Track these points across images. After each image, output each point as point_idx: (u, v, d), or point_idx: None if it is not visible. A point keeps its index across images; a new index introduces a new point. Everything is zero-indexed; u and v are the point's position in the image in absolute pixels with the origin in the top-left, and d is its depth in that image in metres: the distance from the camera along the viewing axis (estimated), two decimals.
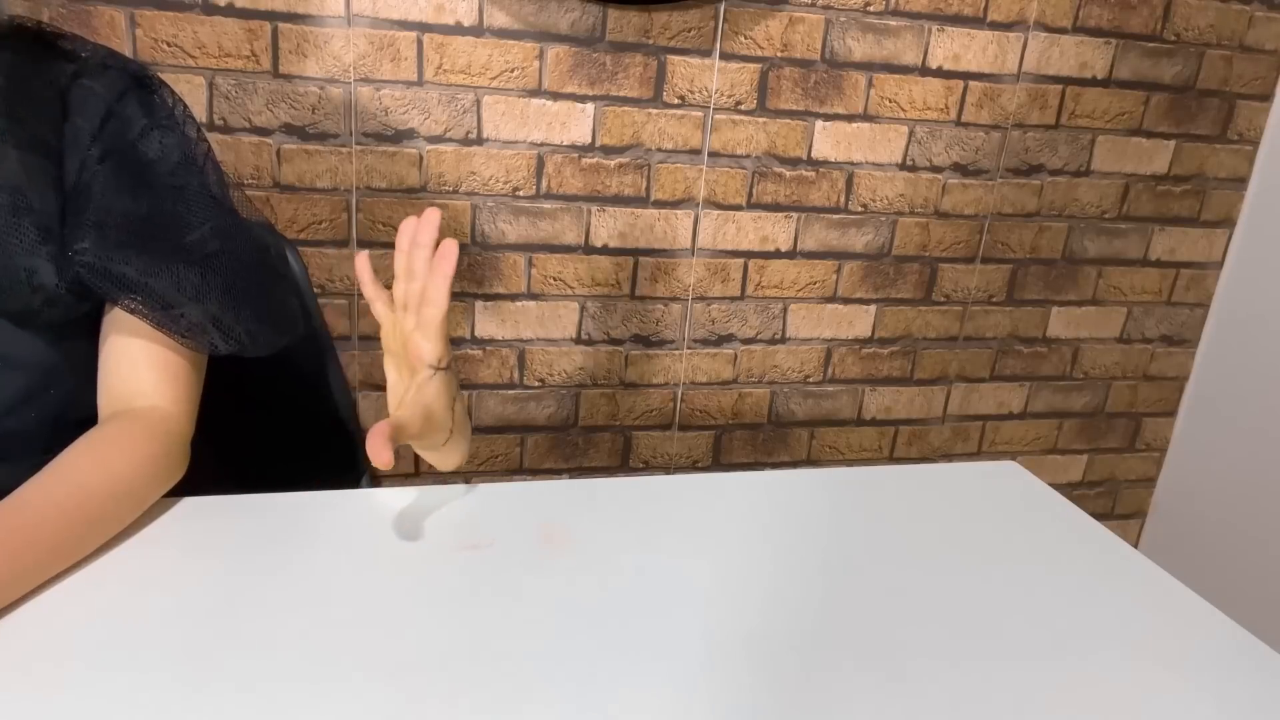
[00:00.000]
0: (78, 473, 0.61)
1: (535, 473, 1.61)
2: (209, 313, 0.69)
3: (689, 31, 1.41)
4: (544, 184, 1.44)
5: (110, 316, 0.70)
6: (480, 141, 1.39)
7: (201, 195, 0.71)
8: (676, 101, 1.44)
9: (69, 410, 0.70)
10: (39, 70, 0.67)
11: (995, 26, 1.52)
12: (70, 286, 0.66)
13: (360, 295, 1.43)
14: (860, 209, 1.58)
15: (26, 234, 0.64)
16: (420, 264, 0.64)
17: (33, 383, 0.68)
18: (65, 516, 0.58)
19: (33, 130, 0.65)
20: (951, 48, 1.51)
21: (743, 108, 1.47)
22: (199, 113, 1.29)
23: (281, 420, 1.00)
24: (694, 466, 1.68)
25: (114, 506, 0.61)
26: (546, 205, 1.45)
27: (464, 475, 1.59)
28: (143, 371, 0.69)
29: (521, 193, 1.44)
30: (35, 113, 0.66)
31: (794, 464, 1.73)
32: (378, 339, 1.46)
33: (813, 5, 1.44)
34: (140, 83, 0.70)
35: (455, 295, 1.47)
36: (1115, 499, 1.94)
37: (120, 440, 0.65)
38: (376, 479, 1.48)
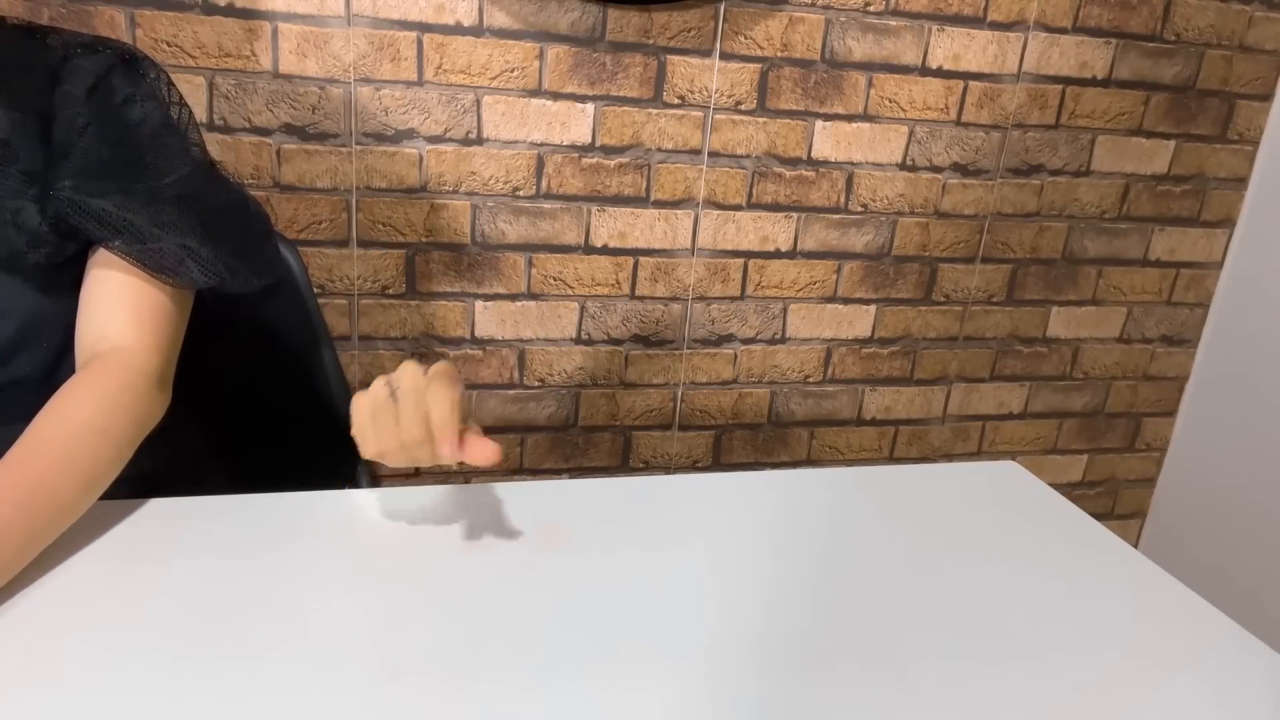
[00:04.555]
0: (36, 428, 0.61)
1: (535, 473, 1.61)
2: (186, 246, 0.71)
3: (689, 31, 1.41)
4: (544, 184, 1.44)
5: (90, 262, 0.71)
6: (480, 141, 1.39)
7: (181, 151, 0.73)
8: (676, 101, 1.44)
9: (61, 366, 0.72)
10: (32, 51, 0.70)
11: (995, 26, 1.52)
12: (53, 225, 0.68)
13: (360, 295, 1.43)
14: (860, 209, 1.58)
15: (12, 180, 0.67)
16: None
17: (23, 332, 0.69)
18: (30, 474, 0.58)
19: (23, 94, 0.68)
20: (951, 48, 1.51)
21: (743, 108, 1.47)
22: (199, 113, 1.29)
23: (280, 419, 1.00)
24: (694, 466, 1.68)
25: (79, 449, 0.61)
26: (546, 205, 1.45)
27: (464, 475, 1.59)
28: (114, 313, 0.70)
29: (521, 193, 1.44)
30: (26, 81, 0.69)
31: (794, 464, 1.73)
32: (378, 339, 1.46)
33: (813, 5, 1.44)
34: (126, 60, 0.73)
35: (455, 295, 1.47)
36: (1115, 499, 1.94)
37: (76, 387, 0.65)
38: (376, 479, 1.49)
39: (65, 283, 0.71)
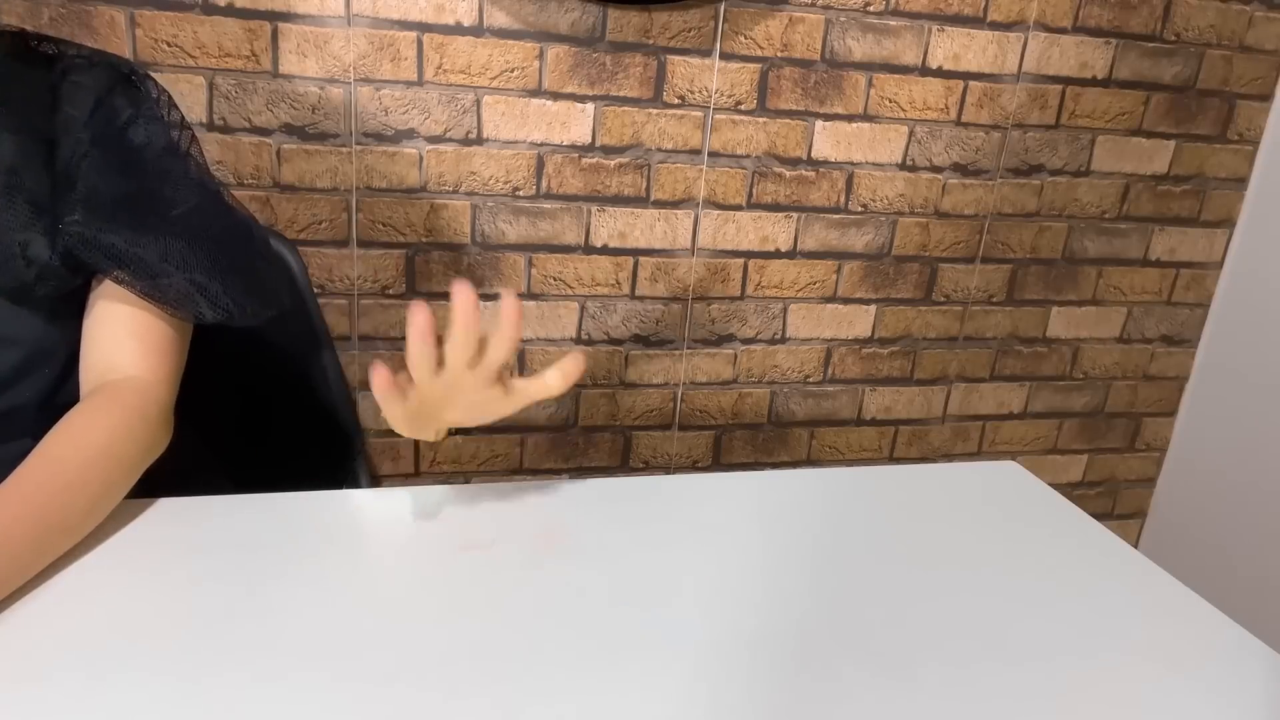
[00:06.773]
0: (49, 447, 0.62)
1: (535, 473, 1.61)
2: (195, 281, 0.71)
3: (689, 31, 1.41)
4: (544, 184, 1.44)
5: (95, 293, 0.71)
6: (480, 141, 1.39)
7: (185, 178, 0.73)
8: (676, 101, 1.44)
9: (62, 389, 0.71)
10: (29, 67, 0.70)
11: (995, 26, 1.52)
12: (62, 259, 0.68)
13: (360, 295, 1.43)
14: (860, 209, 1.58)
15: (20, 210, 0.66)
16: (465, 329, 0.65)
17: (29, 360, 0.69)
18: (42, 491, 0.58)
19: (26, 117, 0.68)
20: (951, 48, 1.51)
21: (743, 108, 1.47)
22: (199, 113, 1.29)
23: (279, 420, 1.00)
24: (694, 466, 1.68)
25: (91, 473, 0.61)
26: (546, 205, 1.45)
27: (464, 475, 1.59)
28: (123, 343, 0.70)
29: (521, 193, 1.44)
30: (28, 102, 0.68)
31: (794, 464, 1.73)
32: (378, 339, 1.46)
33: (813, 5, 1.44)
34: (126, 78, 0.72)
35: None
36: (1115, 499, 1.94)
37: (90, 411, 0.65)
38: (376, 479, 1.49)
39: (70, 311, 0.71)
